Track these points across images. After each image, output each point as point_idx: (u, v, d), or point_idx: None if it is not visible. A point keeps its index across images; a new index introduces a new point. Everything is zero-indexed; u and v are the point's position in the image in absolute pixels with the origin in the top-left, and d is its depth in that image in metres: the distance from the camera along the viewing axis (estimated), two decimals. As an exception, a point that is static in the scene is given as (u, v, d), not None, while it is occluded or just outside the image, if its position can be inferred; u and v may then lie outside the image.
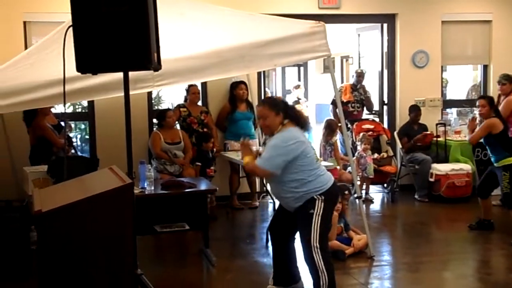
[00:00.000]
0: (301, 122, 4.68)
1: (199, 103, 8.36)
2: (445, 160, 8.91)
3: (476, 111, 7.20)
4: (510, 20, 9.85)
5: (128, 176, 3.38)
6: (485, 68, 10.07)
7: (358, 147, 8.74)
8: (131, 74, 3.71)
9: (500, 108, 7.78)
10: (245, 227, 7.66)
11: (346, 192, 6.32)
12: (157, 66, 3.46)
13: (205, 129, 7.92)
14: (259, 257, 6.17)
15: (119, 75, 3.65)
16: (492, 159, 6.76)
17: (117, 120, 6.33)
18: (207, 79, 6.90)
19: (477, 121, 7.00)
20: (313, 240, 4.43)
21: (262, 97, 9.22)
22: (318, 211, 4.45)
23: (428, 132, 9.03)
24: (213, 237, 6.20)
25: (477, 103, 6.90)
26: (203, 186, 6.28)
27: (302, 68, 17.89)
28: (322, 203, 4.47)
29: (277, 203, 5.27)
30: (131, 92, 4.18)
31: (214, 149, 7.94)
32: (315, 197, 4.46)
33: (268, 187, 7.72)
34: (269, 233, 5.16)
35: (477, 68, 10.91)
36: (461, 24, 9.82)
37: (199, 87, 8.30)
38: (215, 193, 7.21)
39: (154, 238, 6.58)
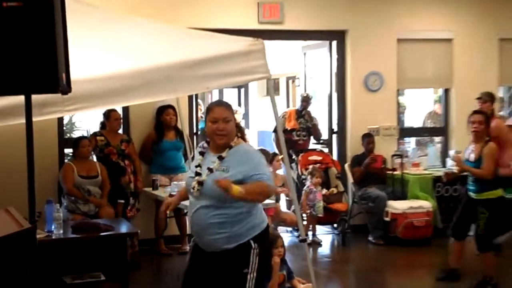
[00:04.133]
0: (246, 141, 4.62)
1: (120, 130, 8.19)
2: (403, 196, 9.00)
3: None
4: (473, 39, 10.14)
5: (30, 219, 3.24)
6: (447, 92, 10.33)
7: (307, 182, 8.75)
8: (37, 97, 3.57)
9: None
10: (173, 276, 7.41)
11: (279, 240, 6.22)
12: (66, 89, 3.30)
13: (126, 161, 7.78)
14: None
15: (20, 98, 3.49)
16: (472, 189, 6.69)
17: (20, 151, 6.13)
18: (128, 103, 6.87)
19: (472, 141, 6.69)
20: None
21: (194, 125, 9.19)
22: (253, 267, 4.24)
23: (377, 154, 9.16)
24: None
25: (470, 119, 6.63)
26: (122, 228, 6.16)
27: (242, 90, 17.99)
28: (257, 257, 4.26)
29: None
30: (38, 118, 4.03)
31: (136, 184, 7.83)
32: (251, 244, 4.27)
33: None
34: None
35: (438, 92, 11.20)
36: (419, 43, 10.05)
37: (120, 112, 8.17)
38: (137, 236, 7.01)
39: None
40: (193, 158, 6.10)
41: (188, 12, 8.65)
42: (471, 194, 6.64)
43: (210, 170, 4.23)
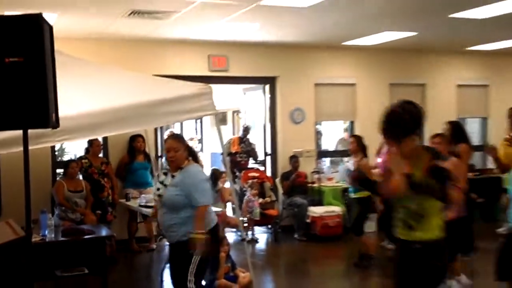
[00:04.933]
0: (199, 161, 4.77)
1: (100, 154, 8.17)
2: (320, 203, 9.10)
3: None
4: (370, 83, 10.36)
5: (26, 226, 3.24)
6: (352, 123, 10.50)
7: (247, 193, 8.77)
8: (33, 130, 3.52)
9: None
10: (142, 269, 7.48)
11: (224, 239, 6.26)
12: (55, 125, 3.25)
13: (105, 179, 7.76)
14: None
15: (20, 131, 3.45)
16: (350, 191, 6.88)
17: (22, 172, 6.10)
18: (106, 134, 6.85)
19: None
20: (189, 282, 4.39)
21: (158, 150, 9.23)
22: (197, 252, 4.37)
23: (301, 171, 9.24)
24: (112, 280, 5.97)
25: (433, 140, 5.76)
26: (102, 232, 6.12)
27: (199, 121, 18.05)
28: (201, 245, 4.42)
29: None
30: (34, 146, 4.00)
31: (114, 197, 7.81)
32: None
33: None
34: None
35: (346, 123, 11.29)
36: (331, 86, 10.17)
37: (101, 140, 8.13)
38: (114, 238, 6.98)
39: (55, 283, 6.18)
40: (158, 175, 6.16)
41: (153, 62, 8.70)
42: (351, 194, 6.79)
43: (165, 186, 4.51)
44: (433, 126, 7.11)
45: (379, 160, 7.74)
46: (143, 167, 8.31)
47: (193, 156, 4.72)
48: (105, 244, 6.14)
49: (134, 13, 6.82)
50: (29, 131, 3.22)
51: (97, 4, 6.44)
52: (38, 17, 2.94)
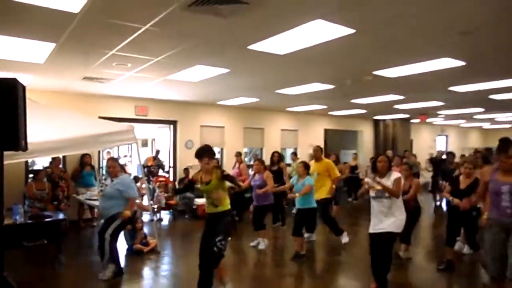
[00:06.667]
0: (126, 171, 4.77)
1: (60, 165, 7.65)
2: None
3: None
4: (232, 126, 10.56)
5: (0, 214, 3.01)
6: (222, 149, 10.57)
7: (157, 190, 8.65)
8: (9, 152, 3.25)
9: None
10: (86, 239, 7.01)
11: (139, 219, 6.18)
12: (24, 148, 2.92)
13: (63, 181, 7.22)
14: (94, 257, 5.65)
15: None
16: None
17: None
18: (64, 154, 6.62)
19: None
20: (107, 233, 4.49)
21: (100, 164, 8.79)
22: (118, 219, 4.49)
23: (189, 178, 9.22)
24: (64, 247, 5.60)
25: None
26: (58, 216, 5.72)
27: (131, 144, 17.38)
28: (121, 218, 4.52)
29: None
30: (10, 161, 3.76)
31: (68, 193, 7.28)
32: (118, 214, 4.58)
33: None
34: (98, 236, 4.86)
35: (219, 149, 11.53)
36: (211, 128, 10.30)
37: (61, 157, 7.63)
38: (67, 220, 6.47)
39: (25, 251, 5.76)
40: (104, 179, 6.01)
41: (99, 109, 8.38)
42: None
43: (108, 186, 4.61)
44: (268, 153, 7.57)
45: (234, 170, 8.13)
46: (89, 174, 7.91)
47: (123, 169, 4.79)
48: (60, 224, 5.74)
49: (86, 78, 6.58)
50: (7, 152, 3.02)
51: (60, 72, 6.13)
52: (14, 80, 2.82)
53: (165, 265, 5.36)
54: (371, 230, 3.97)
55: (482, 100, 9.16)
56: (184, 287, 4.50)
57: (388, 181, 3.88)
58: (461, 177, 4.87)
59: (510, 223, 3.23)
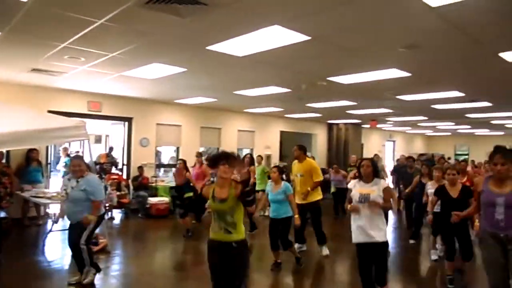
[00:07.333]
0: (91, 170, 4.62)
1: (3, 161, 7.15)
2: (155, 195, 9.03)
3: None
4: (189, 125, 10.42)
5: None
6: (178, 148, 10.49)
7: (109, 188, 8.39)
8: None
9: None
10: (30, 237, 6.65)
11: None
12: None
13: (6, 177, 6.80)
14: (38, 257, 5.47)
15: None
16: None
17: None
18: (8, 149, 6.31)
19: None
20: (81, 243, 4.25)
21: (48, 160, 8.41)
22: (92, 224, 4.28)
23: (145, 176, 9.15)
24: (6, 245, 5.35)
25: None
26: (0, 215, 5.47)
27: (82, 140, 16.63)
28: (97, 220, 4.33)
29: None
30: None
31: (12, 190, 6.84)
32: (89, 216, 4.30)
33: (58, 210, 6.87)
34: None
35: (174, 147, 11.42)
36: (166, 126, 10.12)
37: (4, 151, 7.15)
38: (9, 218, 6.24)
39: None
40: (47, 176, 5.68)
41: (49, 103, 8.00)
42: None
43: (73, 188, 4.27)
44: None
45: (194, 171, 8.09)
46: (35, 170, 7.55)
47: (88, 167, 4.59)
48: (1, 221, 5.47)
49: (35, 70, 6.29)
50: None
51: (5, 62, 5.83)
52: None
53: (115, 265, 5.24)
54: (358, 240, 3.48)
55: (425, 109, 9.83)
56: (134, 287, 4.44)
57: (375, 188, 3.47)
58: (446, 185, 4.47)
59: (505, 236, 2.97)
